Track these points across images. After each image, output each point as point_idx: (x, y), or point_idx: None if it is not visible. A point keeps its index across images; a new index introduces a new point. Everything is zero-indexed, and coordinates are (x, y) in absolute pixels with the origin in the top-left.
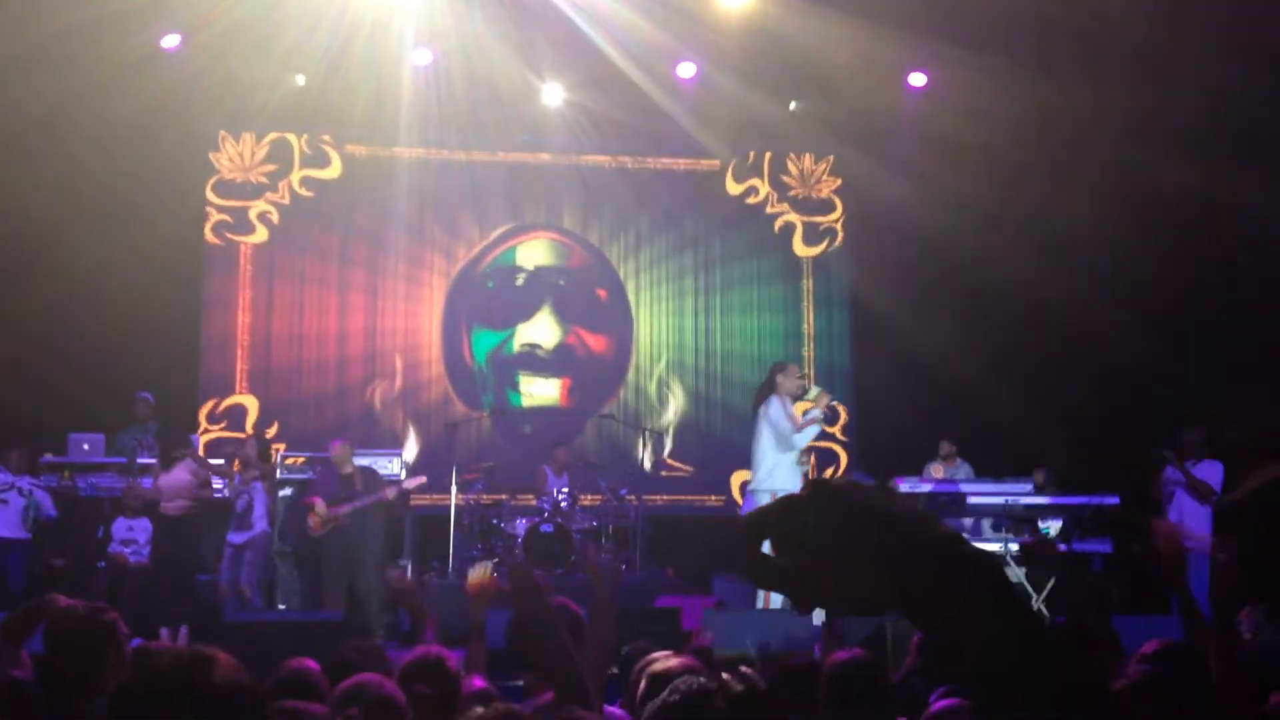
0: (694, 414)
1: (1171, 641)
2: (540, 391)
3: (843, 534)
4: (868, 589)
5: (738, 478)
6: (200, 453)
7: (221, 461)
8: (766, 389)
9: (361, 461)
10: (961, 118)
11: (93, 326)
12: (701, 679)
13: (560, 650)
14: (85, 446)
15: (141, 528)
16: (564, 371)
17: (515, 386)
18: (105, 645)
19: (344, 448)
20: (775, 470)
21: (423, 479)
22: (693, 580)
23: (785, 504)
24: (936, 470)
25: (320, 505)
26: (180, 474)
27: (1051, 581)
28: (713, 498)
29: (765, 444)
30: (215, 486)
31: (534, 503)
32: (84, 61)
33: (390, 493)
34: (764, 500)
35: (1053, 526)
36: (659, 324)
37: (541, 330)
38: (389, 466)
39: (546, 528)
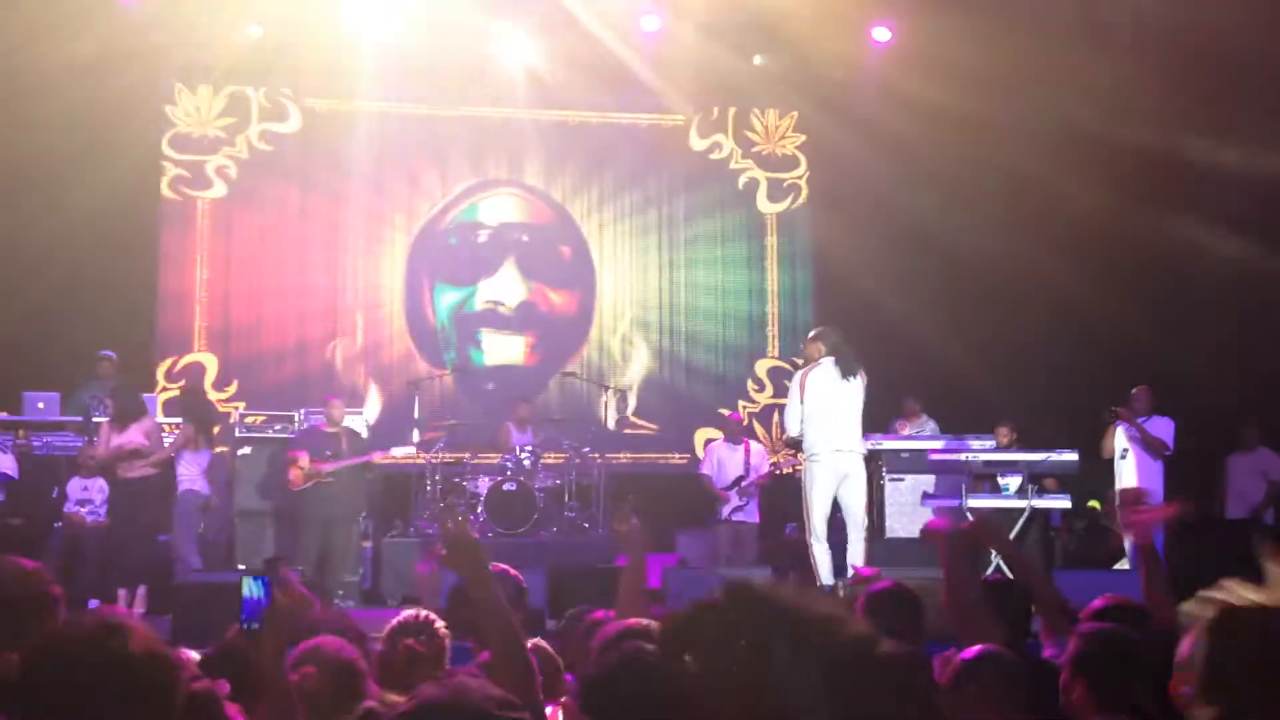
0: (658, 372)
1: (1121, 598)
2: (503, 349)
3: (757, 641)
4: (779, 696)
5: (701, 436)
6: (159, 411)
7: (178, 420)
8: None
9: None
10: (925, 73)
11: (47, 283)
12: (644, 644)
13: (498, 613)
14: (40, 405)
15: (98, 488)
16: (527, 329)
17: (478, 344)
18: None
19: (339, 407)
20: None
21: (413, 449)
22: (656, 538)
23: (701, 609)
24: (901, 427)
25: (304, 459)
26: (134, 434)
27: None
28: (676, 456)
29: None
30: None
31: (497, 461)
32: (33, 9)
33: (378, 456)
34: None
35: (1012, 483)
36: (622, 281)
37: (504, 287)
38: (352, 424)
39: (509, 486)
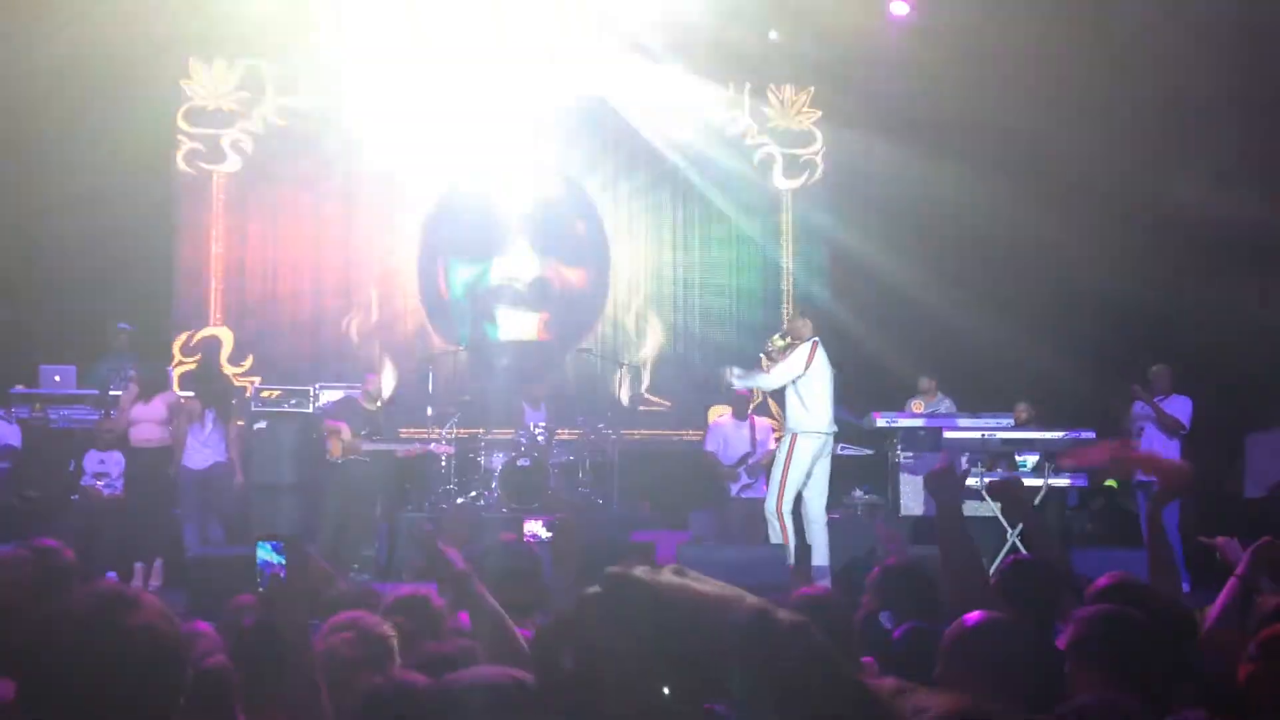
0: (672, 348)
1: (1124, 576)
2: (517, 325)
3: (642, 631)
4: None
5: (714, 412)
6: (175, 385)
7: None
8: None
9: (336, 395)
10: (943, 47)
11: (63, 257)
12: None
13: (489, 615)
14: (56, 378)
15: (114, 461)
16: (541, 305)
17: (492, 319)
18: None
19: (376, 384)
20: None
21: (450, 449)
22: (669, 515)
23: (582, 605)
24: (917, 405)
25: (346, 431)
26: (157, 407)
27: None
28: (690, 433)
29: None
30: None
31: (511, 437)
32: None
33: (416, 449)
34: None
35: (1029, 461)
36: (637, 257)
37: (518, 263)
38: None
39: (523, 462)
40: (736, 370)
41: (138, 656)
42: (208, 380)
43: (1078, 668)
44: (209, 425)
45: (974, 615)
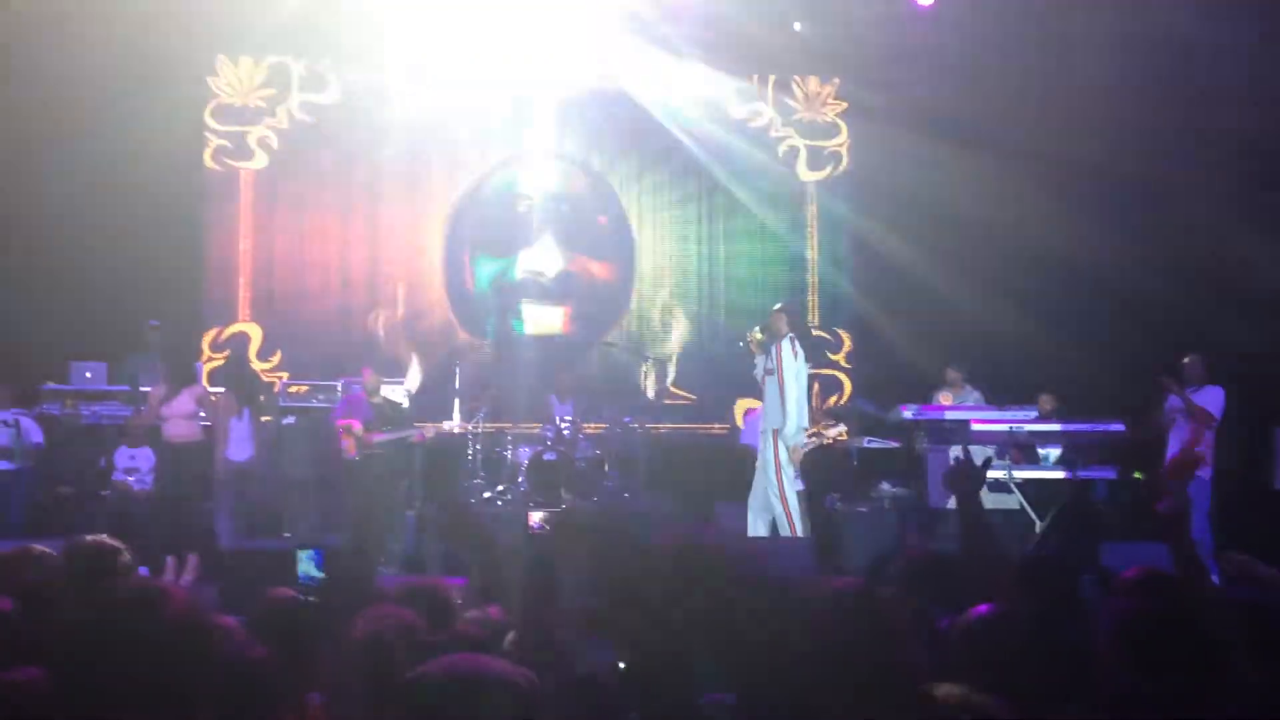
0: (697, 341)
1: (1152, 568)
2: (542, 319)
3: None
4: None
5: (741, 406)
6: (204, 381)
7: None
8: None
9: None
10: (969, 37)
11: (93, 254)
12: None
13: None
14: (87, 374)
15: (144, 456)
16: (566, 299)
17: (518, 314)
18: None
19: (375, 377)
20: None
21: (456, 426)
22: (696, 508)
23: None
24: (944, 397)
25: (358, 428)
26: (185, 401)
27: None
28: (716, 426)
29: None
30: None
31: (537, 430)
32: None
33: (428, 431)
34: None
35: (1053, 453)
36: (662, 251)
37: (543, 257)
38: (392, 395)
39: (550, 456)
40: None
41: (168, 648)
42: (239, 375)
43: (1111, 659)
44: (245, 419)
45: (981, 607)
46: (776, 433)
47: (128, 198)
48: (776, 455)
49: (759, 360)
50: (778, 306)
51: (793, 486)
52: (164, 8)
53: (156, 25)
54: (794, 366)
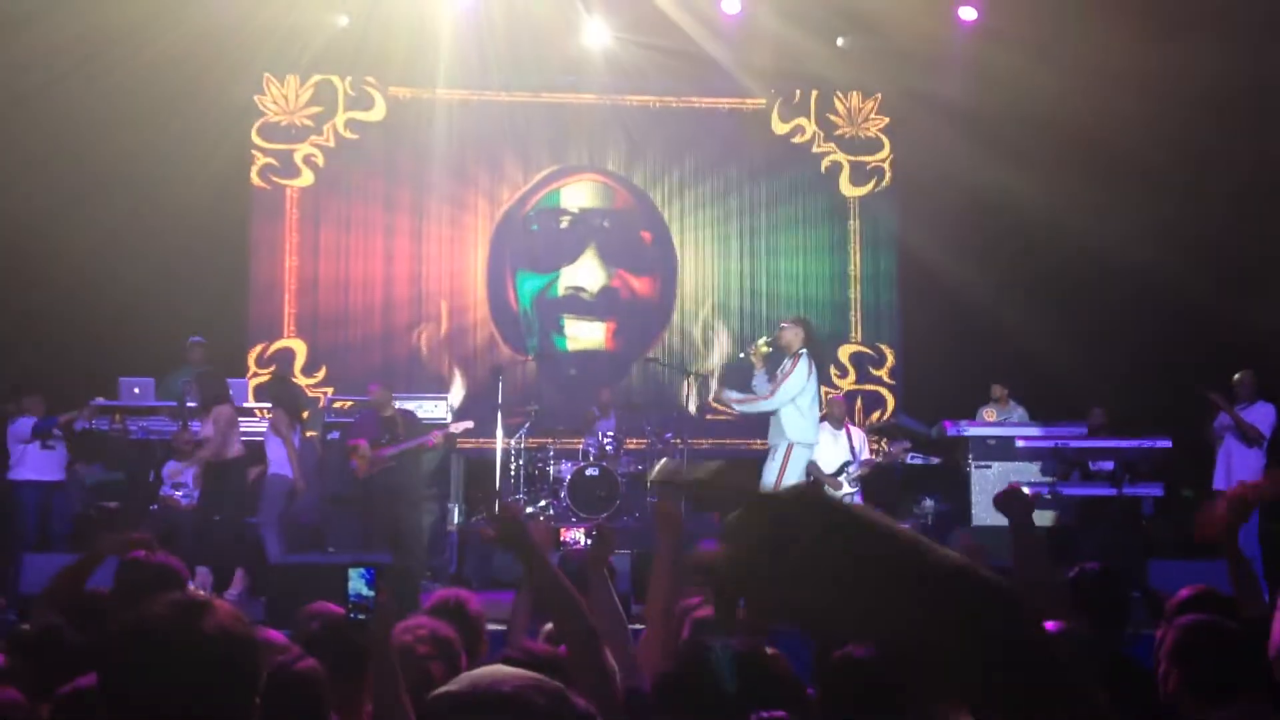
0: (739, 357)
1: (1207, 588)
2: (585, 335)
3: (839, 552)
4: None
5: None
6: (248, 396)
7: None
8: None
9: (409, 405)
10: (1013, 52)
11: (141, 271)
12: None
13: (555, 586)
14: (136, 390)
15: (191, 472)
16: (608, 314)
17: (560, 330)
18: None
19: (383, 391)
20: None
21: (469, 423)
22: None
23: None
24: (988, 414)
25: (364, 447)
26: (208, 425)
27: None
28: (758, 442)
29: None
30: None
31: (579, 446)
32: (125, 2)
33: (436, 437)
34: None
35: (1103, 469)
36: (704, 266)
37: (586, 273)
38: (435, 410)
39: (592, 471)
40: (734, 394)
41: (212, 661)
42: (288, 393)
43: (1173, 678)
44: (296, 436)
45: (1050, 626)
46: (792, 447)
47: (176, 215)
48: (783, 469)
49: (760, 373)
50: (791, 319)
51: None
52: (211, 28)
53: (204, 45)
54: (799, 385)
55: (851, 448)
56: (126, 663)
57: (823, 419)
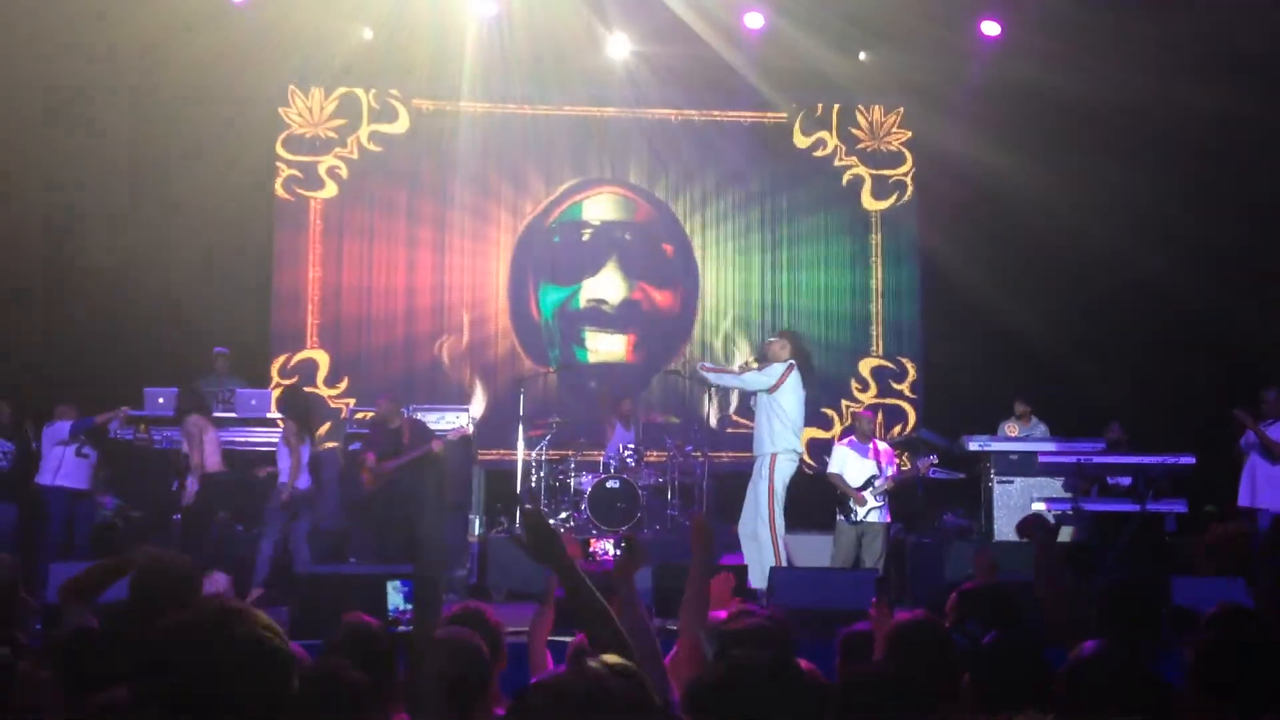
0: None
1: (1233, 604)
2: (606, 347)
3: None
4: None
5: (804, 435)
6: (271, 406)
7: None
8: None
9: (430, 416)
10: (1036, 67)
11: (167, 282)
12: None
13: (588, 597)
14: (160, 400)
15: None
16: (629, 327)
17: (581, 342)
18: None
19: (389, 403)
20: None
21: (465, 429)
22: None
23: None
24: (1010, 429)
25: (371, 461)
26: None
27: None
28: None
29: None
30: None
31: (600, 458)
32: (151, 16)
33: (436, 445)
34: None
35: (1122, 485)
36: (725, 279)
37: (607, 285)
38: (456, 421)
39: (613, 483)
40: (707, 363)
41: (244, 666)
42: (300, 404)
43: (1200, 695)
44: (306, 448)
45: (1089, 644)
46: (775, 456)
47: (200, 227)
48: (772, 482)
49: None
50: (779, 333)
51: (781, 514)
52: (237, 41)
53: (230, 57)
54: (771, 380)
55: (879, 462)
56: (159, 668)
57: (849, 432)
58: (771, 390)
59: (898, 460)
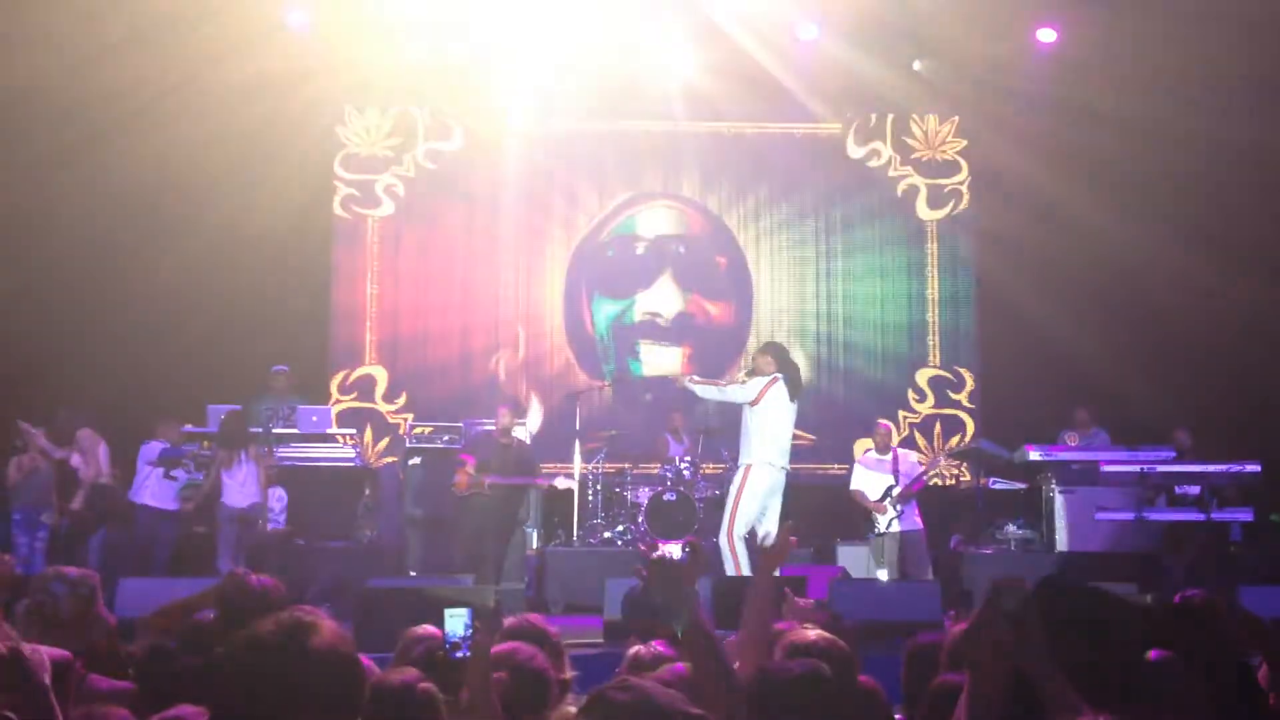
0: (816, 382)
1: None
2: (661, 360)
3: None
4: None
5: (860, 446)
6: (332, 422)
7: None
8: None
9: (487, 429)
10: (1093, 75)
11: (227, 300)
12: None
13: (701, 636)
14: (222, 417)
15: (275, 496)
16: (684, 339)
17: (636, 355)
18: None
19: (508, 416)
20: None
21: (573, 484)
22: (815, 549)
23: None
24: (1071, 438)
25: (471, 465)
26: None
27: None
28: (835, 466)
29: None
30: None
31: (656, 471)
32: (209, 35)
33: (543, 483)
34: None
35: (1189, 493)
36: (779, 291)
37: (662, 298)
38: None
39: (669, 496)
40: (695, 376)
41: (320, 678)
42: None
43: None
44: (243, 466)
45: (1154, 652)
46: (750, 467)
47: (259, 245)
48: (740, 492)
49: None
50: (762, 346)
51: (743, 527)
52: (295, 62)
53: (287, 78)
54: (753, 392)
55: (896, 471)
56: (235, 681)
57: (875, 448)
58: (752, 403)
59: (923, 467)
